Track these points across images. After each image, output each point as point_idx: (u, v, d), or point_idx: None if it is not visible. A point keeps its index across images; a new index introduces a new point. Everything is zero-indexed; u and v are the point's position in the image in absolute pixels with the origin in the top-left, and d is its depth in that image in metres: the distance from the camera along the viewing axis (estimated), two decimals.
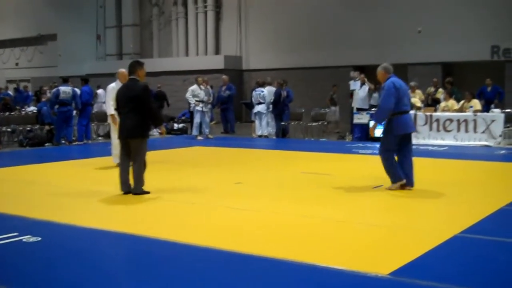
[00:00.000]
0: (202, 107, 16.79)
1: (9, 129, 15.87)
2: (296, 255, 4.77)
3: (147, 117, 7.62)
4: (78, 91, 15.72)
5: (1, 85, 28.35)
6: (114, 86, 10.25)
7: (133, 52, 28.32)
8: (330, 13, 22.88)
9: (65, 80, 15.86)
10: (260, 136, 17.20)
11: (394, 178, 7.85)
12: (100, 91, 22.49)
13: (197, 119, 16.82)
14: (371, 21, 21.85)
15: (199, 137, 16.68)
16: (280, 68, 23.38)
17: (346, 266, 4.49)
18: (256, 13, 25.15)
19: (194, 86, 17.00)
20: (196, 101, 16.73)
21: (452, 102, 15.18)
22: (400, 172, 7.84)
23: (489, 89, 17.70)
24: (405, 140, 7.94)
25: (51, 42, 32.70)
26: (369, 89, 16.33)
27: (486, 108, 15.52)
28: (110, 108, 10.27)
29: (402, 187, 7.84)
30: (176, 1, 27.17)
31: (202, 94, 16.91)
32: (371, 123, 8.20)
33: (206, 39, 26.34)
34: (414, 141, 14.38)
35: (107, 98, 10.57)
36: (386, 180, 8.58)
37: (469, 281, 4.23)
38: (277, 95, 16.81)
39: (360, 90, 16.34)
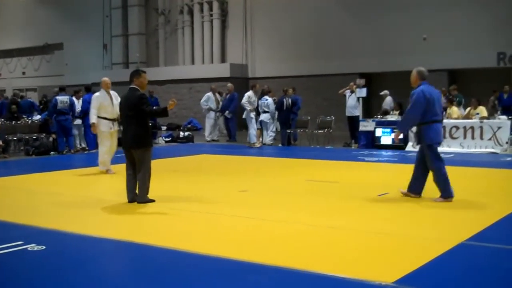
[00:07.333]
0: (254, 115, 16.70)
1: (15, 138, 15.94)
2: (300, 264, 4.75)
3: (151, 120, 7.61)
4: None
5: (8, 94, 28.44)
6: (98, 95, 10.76)
7: (139, 61, 28.41)
8: (335, 21, 22.92)
9: (61, 89, 15.91)
10: (264, 144, 17.04)
11: (445, 192, 7.51)
12: None
13: (254, 125, 16.58)
14: (376, 28, 21.87)
15: (257, 144, 16.55)
16: (286, 76, 23.40)
17: (351, 274, 4.47)
18: (261, 21, 25.21)
19: (250, 93, 16.89)
20: (250, 109, 16.63)
21: (453, 109, 15.09)
22: (451, 187, 7.51)
23: (505, 96, 17.53)
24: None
25: (58, 51, 32.94)
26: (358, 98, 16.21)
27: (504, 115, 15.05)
28: (92, 116, 10.60)
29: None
30: (182, 10, 27.28)
31: (256, 102, 16.82)
32: (395, 132, 8.02)
33: (212, 47, 26.40)
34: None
35: (91, 106, 10.78)
36: (391, 188, 8.55)
37: None
38: (280, 103, 16.71)
39: (350, 98, 16.33)
